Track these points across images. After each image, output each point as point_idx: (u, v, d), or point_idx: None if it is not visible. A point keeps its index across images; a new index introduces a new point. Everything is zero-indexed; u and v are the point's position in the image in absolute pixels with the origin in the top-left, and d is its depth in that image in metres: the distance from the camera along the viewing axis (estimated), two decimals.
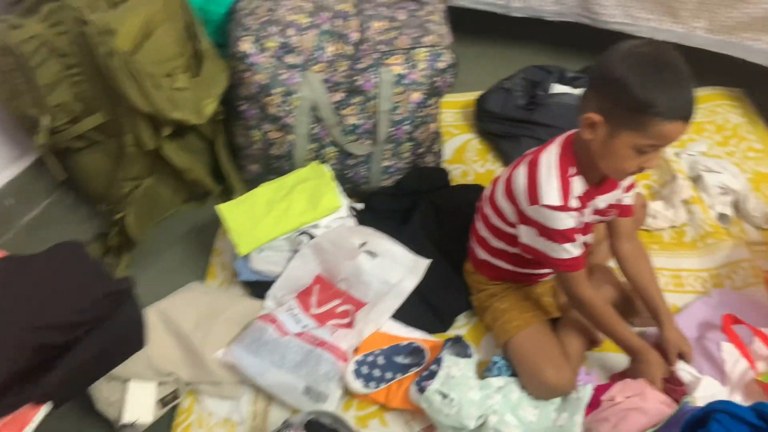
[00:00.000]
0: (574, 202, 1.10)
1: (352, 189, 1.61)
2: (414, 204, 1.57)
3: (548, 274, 1.32)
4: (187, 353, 1.27)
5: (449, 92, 2.00)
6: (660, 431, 0.95)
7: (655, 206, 1.57)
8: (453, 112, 1.96)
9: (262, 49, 1.42)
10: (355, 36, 1.52)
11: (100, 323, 1.07)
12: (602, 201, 1.17)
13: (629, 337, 1.18)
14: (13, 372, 0.99)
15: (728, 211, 1.56)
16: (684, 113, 0.96)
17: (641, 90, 0.94)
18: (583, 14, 1.88)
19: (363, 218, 1.55)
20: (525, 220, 1.15)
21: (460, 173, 1.76)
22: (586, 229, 1.17)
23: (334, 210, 1.42)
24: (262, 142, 1.51)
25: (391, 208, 1.58)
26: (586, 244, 1.19)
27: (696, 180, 1.62)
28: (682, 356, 1.17)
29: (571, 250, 1.11)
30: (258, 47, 1.42)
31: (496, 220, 1.24)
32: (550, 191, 1.08)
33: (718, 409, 0.85)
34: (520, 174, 1.14)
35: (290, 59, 1.44)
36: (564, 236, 1.10)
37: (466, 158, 1.81)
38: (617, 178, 1.15)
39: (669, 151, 1.69)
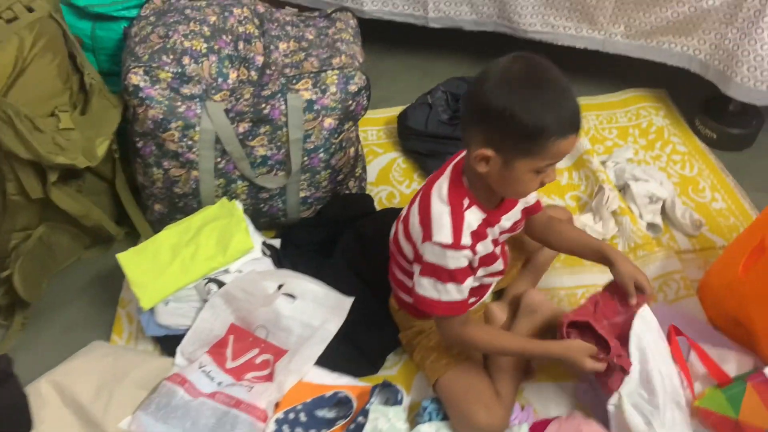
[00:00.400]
0: (467, 239, 1.03)
1: (269, 223, 1.51)
2: (337, 234, 1.48)
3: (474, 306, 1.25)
4: (87, 426, 1.14)
5: (371, 108, 1.93)
6: None
7: (584, 219, 1.53)
8: (376, 130, 1.88)
9: (155, 81, 1.29)
10: (259, 60, 1.41)
11: None
12: (507, 220, 1.12)
13: (542, 348, 1.13)
14: None
15: (658, 220, 1.53)
16: (575, 125, 0.93)
17: (528, 116, 0.89)
18: (502, 23, 1.83)
19: (283, 254, 1.45)
20: (418, 258, 1.07)
21: (386, 195, 1.68)
22: (491, 258, 1.11)
23: (245, 252, 1.31)
24: (164, 181, 1.39)
25: (312, 240, 1.48)
26: (495, 273, 1.16)
27: (623, 189, 1.59)
28: (639, 288, 1.11)
29: (453, 293, 1.04)
30: (150, 79, 1.29)
31: (404, 263, 1.16)
32: (441, 228, 1.02)
33: None
34: (414, 210, 1.09)
35: (188, 90, 1.32)
36: (451, 276, 1.03)
37: (392, 179, 1.73)
38: (518, 198, 1.11)
39: (595, 160, 1.65)
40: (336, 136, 1.40)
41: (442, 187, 1.05)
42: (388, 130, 1.87)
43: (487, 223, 1.07)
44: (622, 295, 1.13)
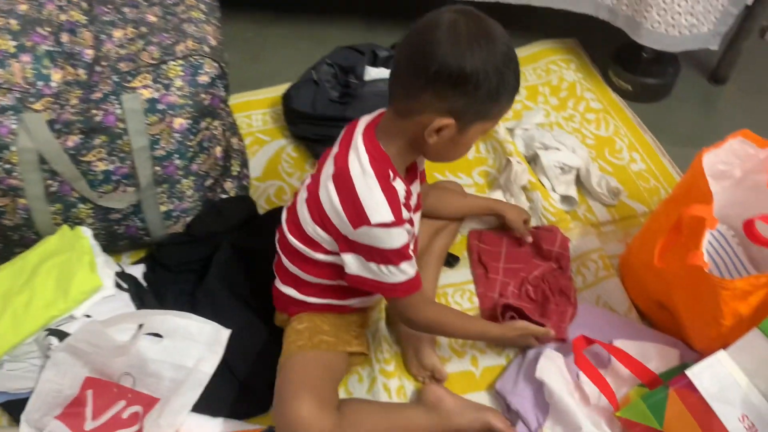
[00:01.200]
0: (405, 212, 0.91)
1: (130, 245, 1.29)
2: (215, 249, 1.28)
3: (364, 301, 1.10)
4: None
5: (253, 89, 1.72)
6: None
7: (495, 197, 1.37)
8: (260, 114, 1.65)
9: None
10: (88, 54, 1.16)
11: None
12: (415, 189, 1.00)
13: (500, 331, 1.10)
14: None
15: (572, 192, 1.39)
16: (519, 83, 0.88)
17: (496, 77, 0.82)
18: None
19: (152, 280, 1.25)
20: (350, 246, 0.92)
21: (275, 191, 1.47)
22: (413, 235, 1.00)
23: (92, 291, 1.10)
24: None
25: (185, 260, 1.27)
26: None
27: (533, 160, 1.43)
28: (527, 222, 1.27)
29: (408, 270, 0.94)
30: None
31: (310, 251, 0.99)
32: (377, 207, 0.88)
33: None
34: (330, 193, 0.91)
35: None
36: (400, 255, 0.92)
37: (281, 171, 1.52)
38: (452, 161, 0.99)
39: (501, 129, 1.48)
40: (192, 137, 1.18)
41: (361, 160, 0.90)
42: (274, 112, 1.65)
43: (408, 193, 0.95)
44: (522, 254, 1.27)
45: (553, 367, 1.06)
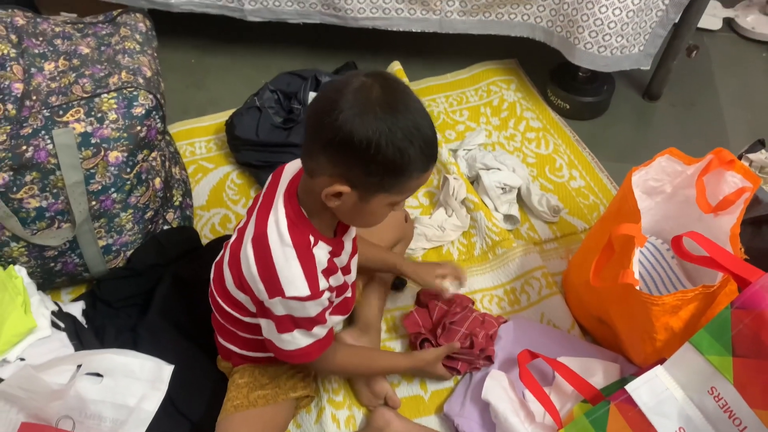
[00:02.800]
0: (322, 282, 0.88)
1: (69, 281, 1.26)
2: (157, 282, 1.25)
3: None
4: None
5: (197, 116, 1.70)
6: None
7: (436, 219, 1.39)
8: (204, 141, 1.63)
9: None
10: (18, 88, 1.13)
11: None
12: (348, 241, 0.98)
13: (403, 362, 1.13)
14: None
15: (514, 211, 1.41)
16: (434, 155, 0.82)
17: (395, 152, 0.76)
18: (328, 12, 1.62)
19: (92, 316, 1.22)
20: (264, 312, 0.91)
21: (219, 220, 1.46)
22: (342, 288, 0.99)
23: (26, 333, 1.06)
24: None
25: (126, 295, 1.24)
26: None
27: (476, 181, 1.45)
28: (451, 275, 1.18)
29: (320, 333, 0.93)
30: None
31: (235, 313, 0.97)
32: (293, 279, 0.85)
33: None
34: (248, 258, 0.88)
35: None
36: (315, 322, 0.90)
37: (225, 199, 1.50)
38: (366, 227, 0.96)
39: (444, 151, 1.50)
40: (129, 170, 1.16)
41: (279, 224, 0.86)
42: (218, 139, 1.63)
43: (334, 254, 0.93)
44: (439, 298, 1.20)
45: (498, 387, 1.07)
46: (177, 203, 1.37)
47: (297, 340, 0.90)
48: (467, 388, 1.12)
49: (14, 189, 1.09)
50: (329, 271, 0.92)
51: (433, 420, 1.12)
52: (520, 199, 1.45)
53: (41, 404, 1.03)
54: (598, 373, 1.07)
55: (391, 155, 0.76)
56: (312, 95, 1.54)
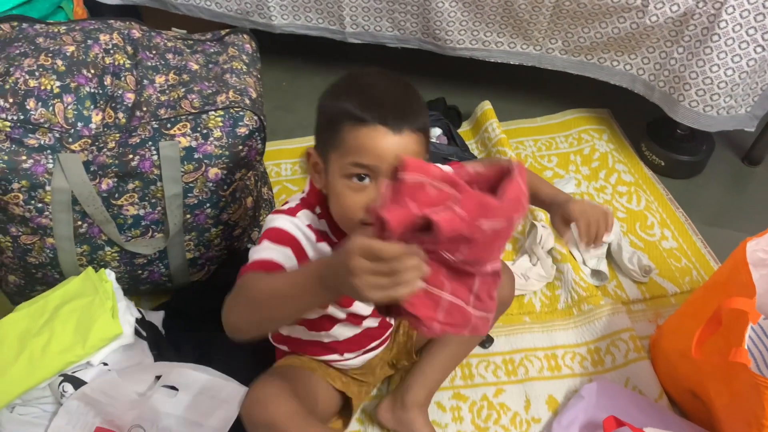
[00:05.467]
0: (293, 229, 0.89)
1: (152, 290, 1.27)
2: None
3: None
4: None
5: (284, 138, 1.72)
6: None
7: (521, 266, 1.35)
8: (290, 164, 1.65)
9: None
10: (129, 98, 1.17)
11: None
12: None
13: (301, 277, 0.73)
14: None
15: (603, 266, 1.36)
16: (381, 115, 0.77)
17: (331, 98, 0.83)
18: (427, 41, 1.63)
19: (169, 326, 1.22)
20: None
21: None
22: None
23: (111, 338, 1.07)
24: (15, 249, 1.14)
25: (204, 308, 1.24)
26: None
27: None
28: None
29: (263, 254, 0.85)
30: None
31: None
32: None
33: None
34: None
35: (34, 140, 1.07)
36: (263, 240, 0.88)
37: None
38: (350, 229, 0.84)
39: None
40: (225, 188, 1.17)
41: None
42: (304, 163, 1.65)
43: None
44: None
45: None
46: (263, 222, 1.37)
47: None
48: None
49: (116, 195, 1.12)
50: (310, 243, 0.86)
51: None
52: (610, 255, 1.39)
53: (119, 411, 1.04)
54: None
55: (328, 104, 0.82)
56: None
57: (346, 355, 1.04)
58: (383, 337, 1.07)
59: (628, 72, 1.56)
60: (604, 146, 1.68)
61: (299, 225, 0.87)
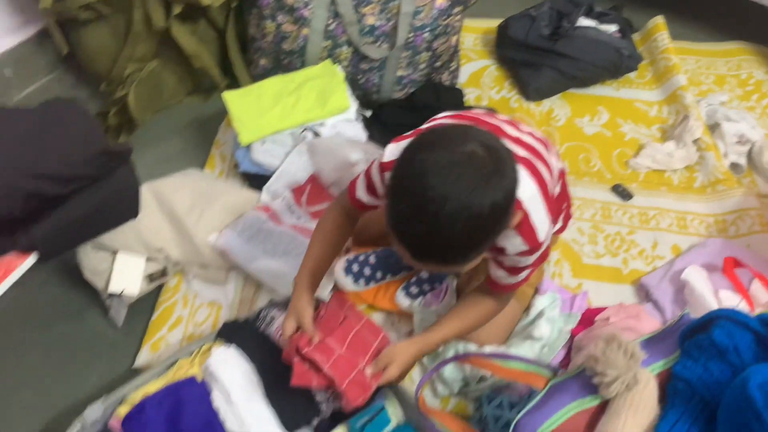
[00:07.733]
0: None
1: (361, 97, 1.57)
2: (425, 120, 1.53)
3: None
4: (179, 233, 1.24)
5: (470, 17, 1.96)
6: (655, 339, 0.93)
7: (667, 147, 1.54)
8: (474, 37, 1.90)
9: None
10: None
11: (94, 182, 1.04)
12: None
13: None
14: (2, 217, 0.96)
15: (742, 161, 1.53)
16: (407, 241, 0.79)
17: (394, 214, 0.79)
18: None
19: (370, 129, 1.51)
20: None
21: (474, 97, 1.71)
22: None
23: (342, 110, 1.38)
24: (275, 35, 1.46)
25: (400, 122, 1.53)
26: None
27: (713, 128, 1.58)
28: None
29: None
30: None
31: None
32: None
33: (721, 316, 0.83)
34: None
35: None
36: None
37: (482, 83, 1.76)
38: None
39: (689, 95, 1.64)
40: (445, 17, 1.43)
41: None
42: (485, 38, 1.89)
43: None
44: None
45: (698, 274, 1.22)
46: (452, 68, 1.63)
47: None
48: (667, 271, 1.28)
49: (363, 4, 1.40)
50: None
51: (627, 289, 1.30)
52: (750, 155, 1.55)
53: (328, 168, 1.33)
54: None
55: (390, 187, 0.79)
56: (582, 20, 1.74)
57: None
58: None
59: None
60: (762, 75, 1.81)
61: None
